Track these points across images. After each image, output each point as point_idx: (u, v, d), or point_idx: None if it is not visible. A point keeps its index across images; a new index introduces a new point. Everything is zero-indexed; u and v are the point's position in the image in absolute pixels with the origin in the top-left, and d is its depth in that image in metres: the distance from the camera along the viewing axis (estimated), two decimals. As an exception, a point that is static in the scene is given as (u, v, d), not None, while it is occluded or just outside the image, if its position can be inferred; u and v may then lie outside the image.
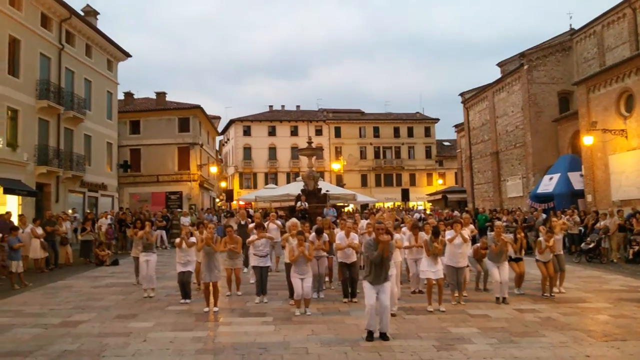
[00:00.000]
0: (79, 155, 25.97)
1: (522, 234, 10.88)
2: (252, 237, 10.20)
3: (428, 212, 34.60)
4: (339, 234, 10.24)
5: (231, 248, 10.14)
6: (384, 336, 7.10)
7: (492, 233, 10.37)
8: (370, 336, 7.11)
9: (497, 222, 11.19)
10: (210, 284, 9.32)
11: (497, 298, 9.70)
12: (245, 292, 10.84)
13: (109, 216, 21.41)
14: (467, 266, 10.35)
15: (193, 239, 10.07)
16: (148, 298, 10.53)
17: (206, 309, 9.22)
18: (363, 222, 13.04)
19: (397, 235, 9.87)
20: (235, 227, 12.16)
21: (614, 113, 23.34)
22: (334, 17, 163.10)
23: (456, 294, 9.75)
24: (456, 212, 23.97)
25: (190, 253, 10.12)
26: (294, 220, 11.47)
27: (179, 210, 29.25)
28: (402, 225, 11.54)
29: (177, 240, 10.26)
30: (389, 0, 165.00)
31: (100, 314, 9.11)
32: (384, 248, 7.26)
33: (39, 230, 15.14)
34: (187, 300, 9.98)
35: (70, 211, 23.05)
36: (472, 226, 11.86)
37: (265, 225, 12.30)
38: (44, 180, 23.06)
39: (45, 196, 23.43)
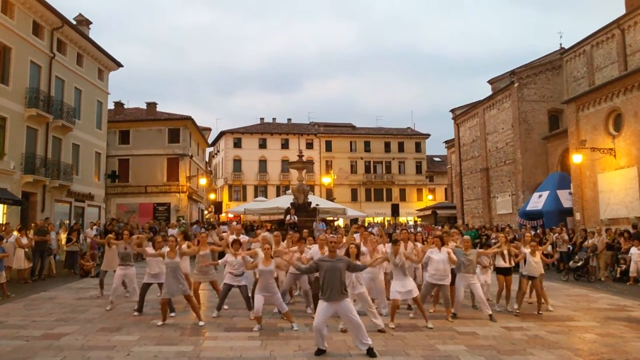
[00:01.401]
0: (66, 165, 25.75)
1: (504, 239, 10.91)
2: (226, 257, 10.00)
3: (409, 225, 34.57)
4: (313, 247, 10.17)
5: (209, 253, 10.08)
6: (371, 352, 7.00)
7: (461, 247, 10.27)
8: (318, 351, 7.09)
9: (466, 236, 11.10)
10: (185, 297, 9.16)
11: (454, 314, 9.80)
12: (232, 306, 10.70)
13: (94, 227, 21.19)
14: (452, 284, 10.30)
15: (151, 250, 9.98)
16: (110, 310, 10.38)
17: (159, 323, 9.04)
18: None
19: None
20: (215, 240, 12.07)
21: (602, 132, 23.59)
22: (327, 32, 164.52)
23: (431, 309, 9.72)
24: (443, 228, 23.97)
25: (158, 264, 9.99)
26: (265, 234, 11.39)
27: (184, 221, 28.86)
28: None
29: (147, 249, 10.20)
30: (383, 16, 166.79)
31: (83, 326, 8.95)
32: (334, 255, 7.25)
33: (24, 240, 14.91)
34: (137, 314, 9.90)
35: (57, 222, 22.78)
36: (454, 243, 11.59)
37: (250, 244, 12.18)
38: (30, 189, 22.80)
39: (31, 205, 23.16)
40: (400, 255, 9.13)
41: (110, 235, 12.48)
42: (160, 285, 9.94)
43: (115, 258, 11.54)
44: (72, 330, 8.60)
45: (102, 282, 12.37)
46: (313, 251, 10.12)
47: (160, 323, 9.04)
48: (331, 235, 10.34)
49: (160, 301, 9.69)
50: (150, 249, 10.08)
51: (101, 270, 12.49)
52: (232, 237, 11.34)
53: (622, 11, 27.44)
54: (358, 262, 8.16)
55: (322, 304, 7.10)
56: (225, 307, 10.54)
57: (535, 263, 10.27)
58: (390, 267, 10.12)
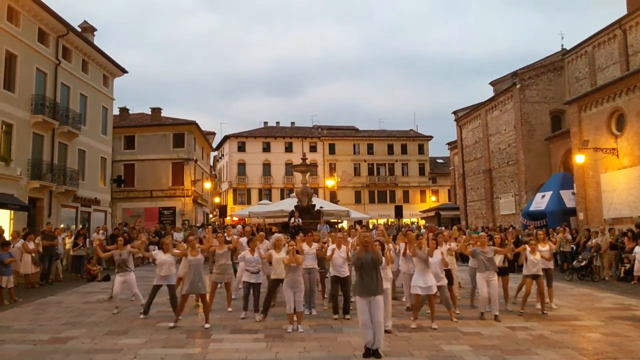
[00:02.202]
0: (72, 170, 25.89)
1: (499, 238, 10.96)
2: (243, 254, 10.18)
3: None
4: (331, 245, 10.29)
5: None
6: (376, 353, 7.06)
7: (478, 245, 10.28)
8: (367, 352, 7.06)
9: (482, 234, 11.22)
10: (199, 297, 9.26)
11: (482, 313, 9.74)
12: (237, 308, 10.77)
13: (101, 231, 21.33)
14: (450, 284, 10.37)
15: (160, 254, 10.17)
16: (117, 314, 10.48)
17: (171, 325, 9.14)
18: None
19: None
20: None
21: (605, 132, 23.58)
22: (329, 36, 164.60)
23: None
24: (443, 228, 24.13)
25: (169, 267, 10.05)
26: (276, 235, 11.51)
27: (194, 225, 28.74)
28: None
29: (153, 252, 10.37)
30: (385, 20, 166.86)
31: (90, 330, 9.04)
32: (366, 250, 7.25)
33: (31, 245, 15.05)
34: (144, 317, 10.01)
35: (62, 225, 22.92)
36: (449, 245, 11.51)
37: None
38: (36, 194, 22.95)
39: (38, 211, 23.29)
40: (425, 248, 9.21)
41: (120, 239, 12.51)
42: (169, 286, 10.08)
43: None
44: (79, 334, 8.70)
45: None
46: (330, 248, 10.24)
47: (172, 325, 9.13)
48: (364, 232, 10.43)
49: (169, 303, 9.85)
50: (160, 252, 10.20)
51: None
52: (244, 239, 11.65)
53: (623, 12, 27.45)
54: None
55: (358, 299, 7.17)
56: (229, 309, 10.59)
57: (533, 262, 10.32)
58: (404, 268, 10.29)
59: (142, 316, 10.02)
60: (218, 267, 10.56)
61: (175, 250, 10.34)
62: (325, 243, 11.34)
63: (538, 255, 10.37)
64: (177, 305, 9.61)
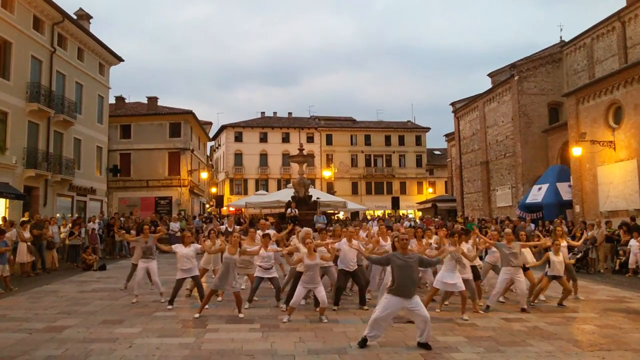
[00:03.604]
0: (68, 159, 25.80)
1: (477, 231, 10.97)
2: (256, 248, 10.08)
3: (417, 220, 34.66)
4: (343, 240, 10.21)
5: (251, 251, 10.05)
6: (426, 345, 7.06)
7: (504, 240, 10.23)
8: (363, 342, 7.09)
9: (507, 230, 11.18)
10: (234, 294, 9.19)
11: (488, 306, 9.74)
12: (232, 298, 10.75)
13: (96, 220, 21.29)
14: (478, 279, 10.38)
15: (208, 243, 10.23)
16: (136, 303, 10.44)
17: (197, 315, 9.09)
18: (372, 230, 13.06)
19: (384, 246, 9.85)
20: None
21: (602, 125, 23.59)
22: (327, 26, 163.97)
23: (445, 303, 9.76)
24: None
25: (190, 260, 10.01)
26: (306, 229, 11.36)
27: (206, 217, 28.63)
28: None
29: (172, 247, 10.30)
30: (383, 10, 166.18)
31: (86, 319, 9.02)
32: (408, 250, 7.29)
33: (26, 234, 15.00)
34: (170, 307, 9.94)
35: (57, 215, 22.86)
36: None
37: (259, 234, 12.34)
38: (32, 183, 22.87)
39: (34, 200, 23.23)
40: (459, 249, 9.23)
41: (146, 227, 12.38)
42: (194, 278, 10.13)
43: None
44: (75, 323, 8.67)
45: (131, 274, 12.36)
46: (342, 243, 10.15)
47: (197, 315, 9.10)
48: (402, 233, 9.81)
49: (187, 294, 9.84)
50: (180, 246, 10.18)
51: (132, 264, 12.40)
52: (259, 233, 11.51)
53: (622, 4, 27.37)
54: (430, 258, 8.30)
55: (393, 299, 7.09)
56: (256, 298, 10.57)
57: (558, 263, 10.14)
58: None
59: (169, 307, 9.92)
60: (241, 261, 10.45)
61: (214, 247, 10.20)
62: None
63: (561, 256, 10.25)
64: (204, 295, 9.61)
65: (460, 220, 27.04)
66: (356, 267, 10.05)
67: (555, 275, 10.17)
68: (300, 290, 8.91)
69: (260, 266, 10.09)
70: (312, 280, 8.85)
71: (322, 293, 8.84)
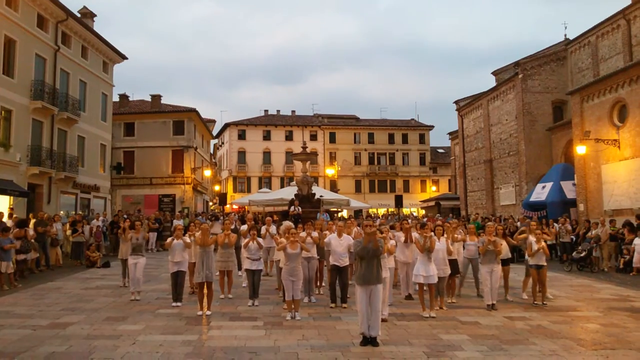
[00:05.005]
0: (72, 157, 25.85)
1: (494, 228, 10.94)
2: (246, 240, 10.15)
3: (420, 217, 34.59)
4: (332, 234, 10.26)
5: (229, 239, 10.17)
6: (373, 341, 7.08)
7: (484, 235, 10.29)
8: (364, 341, 7.10)
9: (489, 223, 11.22)
10: (205, 284, 9.24)
11: (488, 305, 9.72)
12: (237, 295, 10.81)
13: (100, 218, 21.32)
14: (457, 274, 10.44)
15: (187, 239, 10.08)
16: (136, 301, 10.47)
17: (199, 313, 9.14)
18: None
19: (391, 242, 9.81)
20: (218, 231, 12.25)
21: (607, 123, 23.48)
22: (331, 24, 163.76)
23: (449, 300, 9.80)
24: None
25: (181, 253, 10.01)
26: (287, 223, 11.43)
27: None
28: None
29: (168, 240, 10.22)
30: (387, 9, 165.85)
31: (89, 316, 9.05)
32: (370, 240, 7.25)
33: (30, 231, 15.04)
34: (178, 304, 9.91)
35: (61, 212, 22.91)
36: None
37: (263, 230, 12.45)
38: (36, 180, 22.93)
39: (37, 197, 23.29)
40: (428, 238, 9.22)
41: (137, 224, 12.37)
42: (182, 272, 10.09)
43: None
44: (78, 320, 8.71)
45: (124, 271, 12.38)
46: (331, 237, 10.23)
47: (199, 313, 9.13)
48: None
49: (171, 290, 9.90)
50: (187, 238, 10.23)
51: (120, 260, 12.45)
52: (244, 226, 11.73)
53: (627, 1, 27.21)
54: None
55: (357, 288, 7.26)
56: (230, 295, 10.59)
57: (540, 252, 10.22)
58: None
59: (178, 304, 9.93)
60: (220, 255, 10.49)
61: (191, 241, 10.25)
62: (323, 232, 11.30)
63: (543, 244, 10.28)
64: (180, 292, 9.66)
65: (473, 217, 27.03)
66: (347, 264, 10.04)
67: (539, 264, 10.20)
68: (286, 285, 8.96)
69: (248, 258, 10.02)
70: (293, 273, 8.90)
71: (297, 286, 8.94)
